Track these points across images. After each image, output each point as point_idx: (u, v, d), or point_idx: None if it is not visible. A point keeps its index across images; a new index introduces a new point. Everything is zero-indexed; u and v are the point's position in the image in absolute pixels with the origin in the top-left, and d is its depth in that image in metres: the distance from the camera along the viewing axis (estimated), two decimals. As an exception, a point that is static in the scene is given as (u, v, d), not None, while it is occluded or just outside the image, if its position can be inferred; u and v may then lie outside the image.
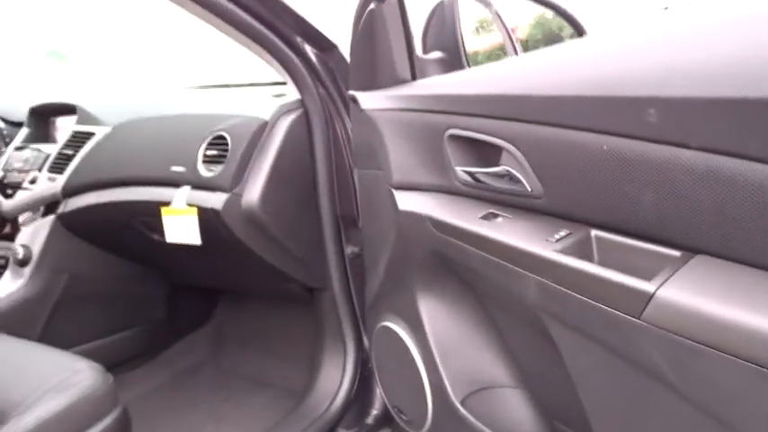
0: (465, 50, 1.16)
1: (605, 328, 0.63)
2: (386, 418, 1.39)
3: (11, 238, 1.60)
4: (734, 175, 0.55)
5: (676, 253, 0.63)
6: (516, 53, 1.39)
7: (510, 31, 1.46)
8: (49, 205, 1.58)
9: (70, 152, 1.55)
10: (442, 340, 0.98)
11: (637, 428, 0.64)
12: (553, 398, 0.87)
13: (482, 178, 0.87)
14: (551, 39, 1.74)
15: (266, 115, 1.28)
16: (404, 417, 1.12)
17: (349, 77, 1.17)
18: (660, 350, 0.57)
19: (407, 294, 1.03)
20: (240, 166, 1.23)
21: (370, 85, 1.11)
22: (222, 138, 1.27)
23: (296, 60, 1.26)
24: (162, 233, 1.36)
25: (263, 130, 1.25)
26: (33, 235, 1.55)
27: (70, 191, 1.52)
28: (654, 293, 0.57)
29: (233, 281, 1.68)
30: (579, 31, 1.34)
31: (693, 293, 0.55)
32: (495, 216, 0.85)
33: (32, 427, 0.88)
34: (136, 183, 1.40)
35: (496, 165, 0.85)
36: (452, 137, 0.90)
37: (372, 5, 1.03)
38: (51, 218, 1.54)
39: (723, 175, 0.56)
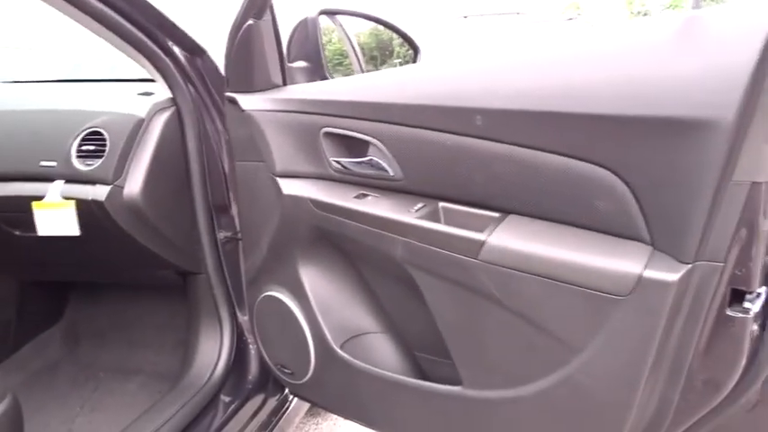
0: (325, 60, 1.38)
1: (454, 269, 0.90)
2: (262, 382, 1.56)
3: None
4: (528, 159, 0.86)
5: (496, 214, 0.92)
6: (357, 57, 1.65)
7: (352, 40, 1.72)
8: None
9: None
10: (322, 300, 1.20)
11: (478, 339, 0.93)
12: (414, 334, 1.14)
13: (352, 167, 1.10)
14: (382, 46, 2.04)
15: (140, 112, 1.37)
16: (287, 371, 1.31)
17: (224, 81, 1.33)
18: (492, 279, 0.85)
19: (290, 266, 1.22)
20: (120, 160, 1.31)
21: (247, 88, 1.28)
22: (97, 133, 1.34)
23: (167, 62, 1.38)
24: (28, 228, 1.38)
25: (140, 126, 1.35)
26: None
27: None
28: (485, 240, 0.86)
29: (102, 271, 1.71)
30: (413, 47, 1.63)
31: (510, 238, 0.84)
32: (366, 196, 1.09)
33: None
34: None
35: (364, 156, 1.09)
36: (327, 134, 1.12)
37: (251, 22, 1.20)
38: None
39: (522, 160, 0.86)
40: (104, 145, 1.32)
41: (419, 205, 1.00)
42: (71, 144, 1.33)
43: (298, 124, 1.17)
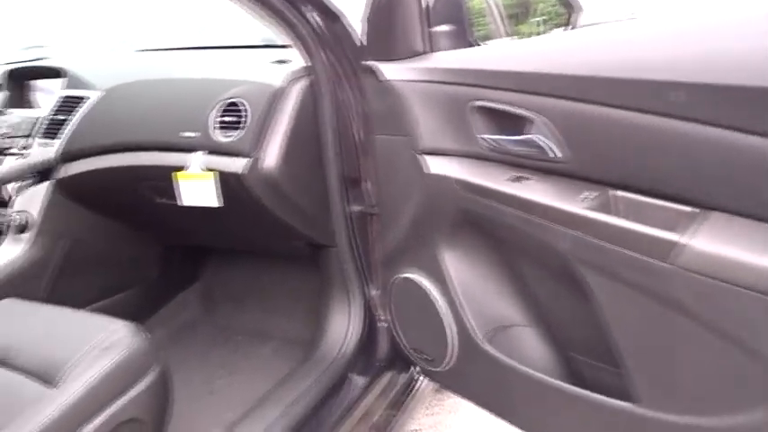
0: (470, 24, 1.25)
1: (637, 272, 0.78)
2: (392, 361, 1.52)
3: (3, 204, 1.58)
4: (743, 146, 0.70)
5: (687, 209, 0.78)
6: (501, 17, 1.50)
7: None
8: (42, 171, 1.56)
9: (62, 117, 1.54)
10: (465, 287, 1.12)
11: (665, 354, 0.80)
12: (569, 333, 1.03)
13: (507, 145, 0.99)
14: (521, 3, 1.86)
15: (276, 82, 1.33)
16: (425, 356, 1.26)
17: (361, 48, 1.25)
18: (688, 289, 0.72)
19: (431, 248, 1.15)
20: (258, 132, 1.28)
21: (387, 56, 1.19)
22: (236, 104, 1.32)
23: (304, 28, 1.32)
24: (171, 197, 1.40)
25: (277, 96, 1.31)
26: (30, 201, 1.54)
27: (68, 156, 1.52)
28: (682, 242, 0.72)
29: (238, 239, 1.74)
30: (570, 5, 1.45)
31: (716, 241, 0.70)
32: (521, 178, 0.97)
33: (84, 391, 0.92)
34: (142, 148, 1.42)
35: (521, 133, 0.97)
36: (476, 107, 1.01)
37: (394, -18, 1.10)
38: (48, 183, 1.54)
39: (735, 146, 0.70)
40: (243, 116, 1.30)
41: (586, 193, 0.88)
42: (210, 115, 1.33)
43: (444, 96, 1.07)
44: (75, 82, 1.59)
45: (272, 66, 1.45)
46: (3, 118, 1.62)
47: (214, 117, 1.33)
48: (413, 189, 1.14)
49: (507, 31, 1.55)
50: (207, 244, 1.89)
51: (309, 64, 1.37)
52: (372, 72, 1.19)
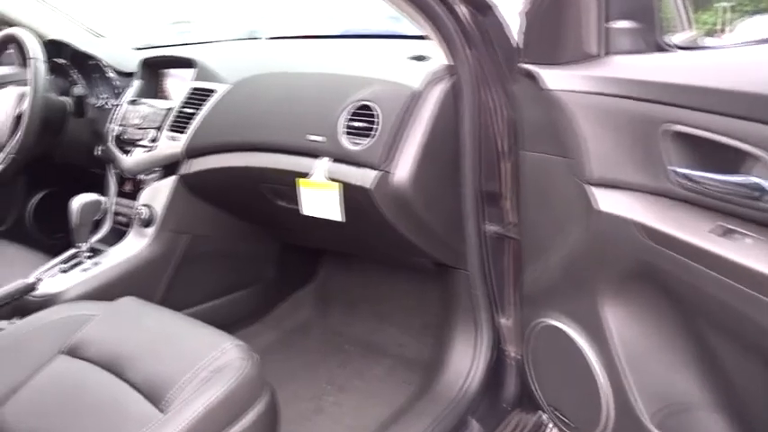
0: (660, 19, 1.01)
1: None
2: (518, 399, 1.34)
3: (131, 197, 1.57)
4: None
5: None
6: (685, 8, 1.22)
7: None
8: (167, 165, 1.53)
9: (190, 110, 1.49)
10: (632, 352, 0.90)
11: None
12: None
13: (713, 185, 0.76)
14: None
15: (413, 83, 1.17)
16: (566, 419, 1.06)
17: (516, 48, 1.05)
18: None
19: (589, 297, 0.94)
20: (390, 142, 1.13)
21: (550, 58, 0.98)
22: (367, 107, 1.18)
23: (449, 20, 1.14)
24: (291, 200, 1.31)
25: (414, 100, 1.15)
26: (155, 195, 1.52)
27: (192, 152, 1.47)
28: None
29: (357, 247, 1.63)
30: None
31: None
32: (732, 232, 0.74)
33: (193, 422, 0.85)
34: (266, 149, 1.33)
35: (734, 172, 0.73)
36: (671, 133, 0.79)
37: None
38: (173, 178, 1.50)
39: None
40: (374, 122, 1.15)
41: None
42: (339, 118, 1.20)
43: (625, 114, 0.85)
44: (205, 73, 1.54)
45: (409, 63, 1.29)
46: (136, 108, 1.61)
47: (343, 121, 1.20)
48: (572, 224, 0.94)
49: (689, 21, 1.26)
50: (325, 247, 1.80)
51: (451, 63, 1.19)
52: (531, 77, 0.99)
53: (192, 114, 1.48)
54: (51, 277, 1.40)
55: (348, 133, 1.19)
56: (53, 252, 2.15)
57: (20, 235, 2.11)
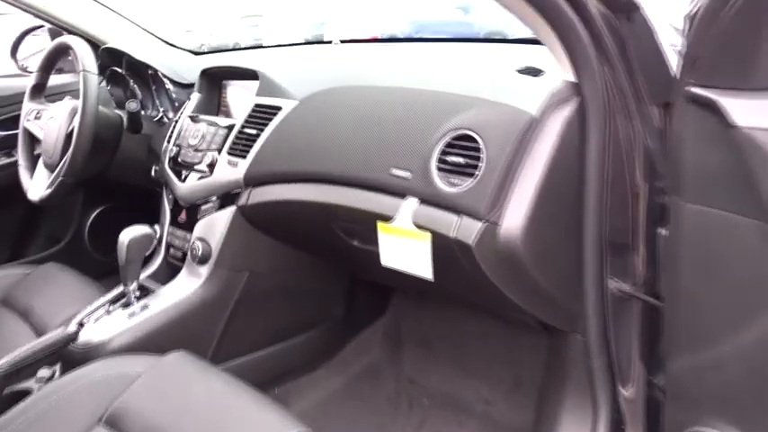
0: None
1: None
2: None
3: (187, 227, 1.39)
4: None
5: None
6: None
7: None
8: (225, 195, 1.34)
9: (253, 131, 1.29)
10: None
11: None
12: None
13: None
14: None
15: (529, 106, 0.92)
16: None
17: (682, 62, 0.77)
18: None
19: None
20: (500, 184, 0.88)
21: (739, 81, 0.71)
22: (468, 138, 0.93)
23: (579, 25, 0.87)
24: (368, 241, 1.08)
25: (531, 131, 0.89)
26: (211, 228, 1.33)
27: (253, 180, 1.27)
28: None
29: (444, 295, 1.40)
30: None
31: None
32: None
33: None
34: (339, 182, 1.11)
35: None
36: None
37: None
38: (232, 210, 1.31)
39: None
40: (478, 158, 0.91)
41: None
42: (432, 150, 0.96)
43: None
44: (270, 86, 1.33)
45: (518, 78, 1.04)
46: (195, 126, 1.43)
47: (437, 154, 0.96)
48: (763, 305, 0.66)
49: None
50: (405, 289, 1.57)
51: (575, 80, 0.93)
52: (704, 106, 0.72)
53: (255, 136, 1.28)
54: (95, 322, 1.24)
55: (442, 169, 0.95)
56: (108, 272, 2.04)
57: (76, 253, 2.01)
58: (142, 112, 1.61)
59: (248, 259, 1.36)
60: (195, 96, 1.51)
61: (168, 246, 1.43)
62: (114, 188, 1.87)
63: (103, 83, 1.79)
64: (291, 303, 1.48)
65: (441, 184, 0.94)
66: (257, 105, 1.32)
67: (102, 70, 1.73)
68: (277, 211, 1.26)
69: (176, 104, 1.60)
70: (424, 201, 0.97)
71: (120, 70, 1.74)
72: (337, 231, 1.20)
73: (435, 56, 1.38)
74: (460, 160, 0.92)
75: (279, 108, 1.27)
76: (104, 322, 1.24)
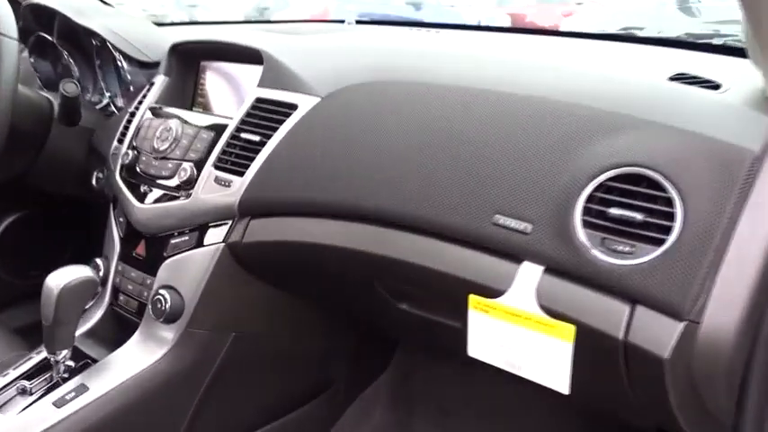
0: None
1: None
2: None
3: (145, 266, 0.97)
4: None
5: None
6: None
7: None
8: (206, 226, 0.93)
9: (253, 137, 0.89)
10: None
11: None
12: None
13: None
14: None
15: (742, 138, 0.59)
16: None
17: None
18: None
19: None
20: (710, 260, 0.55)
21: None
22: (641, 179, 0.59)
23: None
24: (428, 307, 0.74)
25: (751, 176, 0.56)
26: (184, 271, 0.92)
27: (254, 208, 0.88)
28: None
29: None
30: None
31: None
32: None
33: None
34: (397, 225, 0.74)
35: None
36: None
37: None
38: (218, 248, 0.90)
39: None
40: (666, 213, 0.57)
41: None
42: (573, 193, 0.61)
43: None
44: (279, 74, 0.94)
45: (679, 90, 0.71)
46: (162, 124, 1.01)
47: (583, 200, 0.61)
48: None
49: None
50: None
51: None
52: None
53: (257, 144, 0.88)
54: (3, 417, 0.82)
55: (592, 225, 0.60)
56: (16, 298, 1.59)
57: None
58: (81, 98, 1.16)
59: (234, 316, 0.96)
60: (160, 80, 1.09)
61: (116, 290, 1.00)
62: (34, 190, 1.41)
63: (25, 53, 1.33)
64: (285, 371, 1.09)
65: (592, 248, 0.59)
66: (260, 100, 0.92)
67: (25, 36, 1.27)
68: (287, 256, 0.88)
69: (131, 89, 1.17)
70: (556, 270, 0.62)
71: (49, 37, 1.28)
72: (379, 290, 0.84)
73: (520, 50, 1.03)
74: (635, 216, 0.58)
75: (293, 106, 0.89)
76: (18, 416, 0.82)
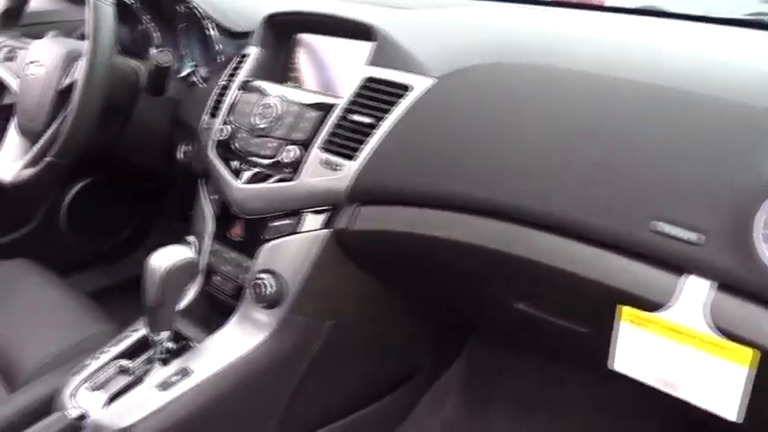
0: None
1: None
2: None
3: (242, 248, 0.94)
4: None
5: None
6: None
7: None
8: (315, 211, 0.89)
9: (365, 119, 0.85)
10: None
11: None
12: None
13: None
14: None
15: None
16: None
17: None
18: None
19: None
20: None
21: None
22: None
23: None
24: (555, 311, 0.70)
25: None
26: (287, 256, 0.89)
27: (366, 195, 0.84)
28: None
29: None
30: None
31: None
32: None
33: None
34: (536, 224, 0.70)
35: None
36: None
37: None
38: (325, 233, 0.87)
39: None
40: None
41: None
42: (756, 207, 0.56)
43: None
44: (390, 53, 0.88)
45: None
46: (261, 100, 0.96)
47: (766, 210, 0.56)
48: None
49: None
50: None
51: None
52: None
53: (369, 127, 0.84)
54: (109, 399, 0.80)
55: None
56: (86, 264, 1.59)
57: (48, 240, 1.53)
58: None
59: (332, 304, 0.93)
60: (254, 52, 1.04)
61: (209, 271, 0.98)
62: (101, 160, 1.39)
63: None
64: (374, 359, 1.07)
65: (777, 263, 0.54)
66: (371, 80, 0.87)
67: None
68: (397, 246, 0.84)
69: (218, 59, 1.12)
70: (730, 287, 0.57)
71: (130, 1, 1.24)
72: (497, 287, 0.80)
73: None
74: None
75: (407, 87, 0.84)
76: (124, 398, 0.81)
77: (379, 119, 0.84)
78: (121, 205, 1.67)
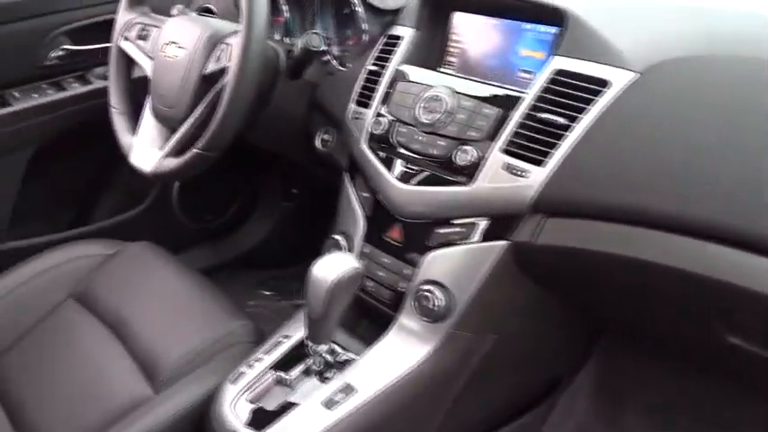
0: None
1: None
2: None
3: (401, 255, 0.86)
4: None
5: None
6: None
7: None
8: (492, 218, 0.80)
9: (556, 118, 0.74)
10: None
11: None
12: None
13: None
14: None
15: None
16: None
17: None
18: None
19: None
20: None
21: None
22: None
23: None
24: (755, 340, 0.61)
25: None
26: (458, 268, 0.81)
27: (555, 205, 0.75)
28: None
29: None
30: None
31: None
32: None
33: None
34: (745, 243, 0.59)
35: None
36: None
37: None
38: (501, 245, 0.78)
39: None
40: None
41: None
42: None
43: None
44: (584, 42, 0.77)
45: None
46: (429, 92, 0.86)
47: None
48: None
49: None
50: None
51: None
52: None
53: (561, 128, 0.74)
54: (269, 412, 0.76)
55: None
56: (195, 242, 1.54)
57: (161, 219, 1.52)
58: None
59: (499, 316, 0.86)
60: (409, 34, 0.95)
61: (364, 277, 0.91)
62: None
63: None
64: (525, 373, 1.00)
65: None
66: (562, 73, 0.77)
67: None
68: (591, 265, 0.75)
69: (364, 39, 1.03)
70: None
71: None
72: (711, 319, 0.70)
73: None
74: None
75: (604, 83, 0.73)
76: (290, 416, 0.76)
77: (573, 119, 0.74)
78: (229, 183, 1.64)
